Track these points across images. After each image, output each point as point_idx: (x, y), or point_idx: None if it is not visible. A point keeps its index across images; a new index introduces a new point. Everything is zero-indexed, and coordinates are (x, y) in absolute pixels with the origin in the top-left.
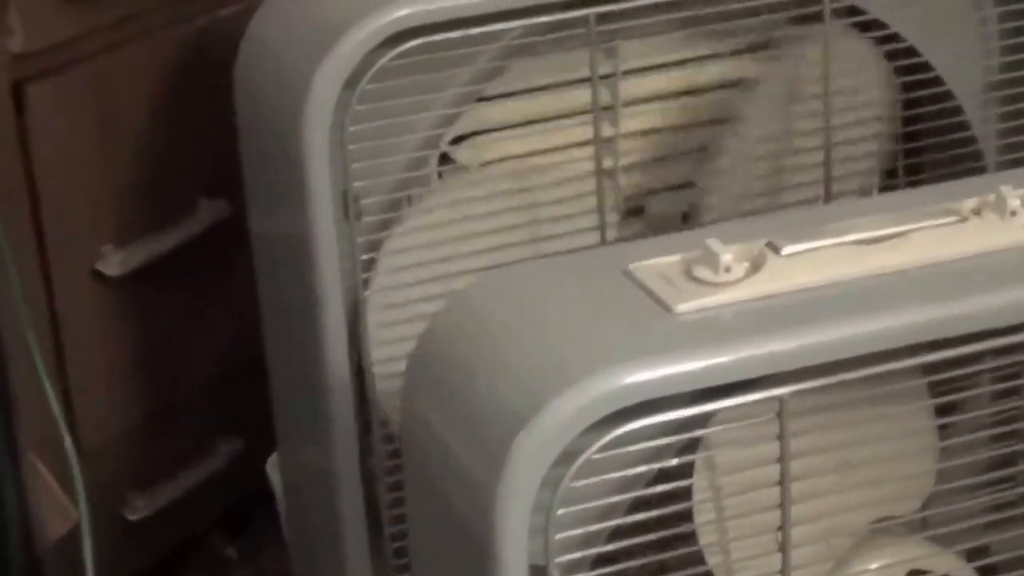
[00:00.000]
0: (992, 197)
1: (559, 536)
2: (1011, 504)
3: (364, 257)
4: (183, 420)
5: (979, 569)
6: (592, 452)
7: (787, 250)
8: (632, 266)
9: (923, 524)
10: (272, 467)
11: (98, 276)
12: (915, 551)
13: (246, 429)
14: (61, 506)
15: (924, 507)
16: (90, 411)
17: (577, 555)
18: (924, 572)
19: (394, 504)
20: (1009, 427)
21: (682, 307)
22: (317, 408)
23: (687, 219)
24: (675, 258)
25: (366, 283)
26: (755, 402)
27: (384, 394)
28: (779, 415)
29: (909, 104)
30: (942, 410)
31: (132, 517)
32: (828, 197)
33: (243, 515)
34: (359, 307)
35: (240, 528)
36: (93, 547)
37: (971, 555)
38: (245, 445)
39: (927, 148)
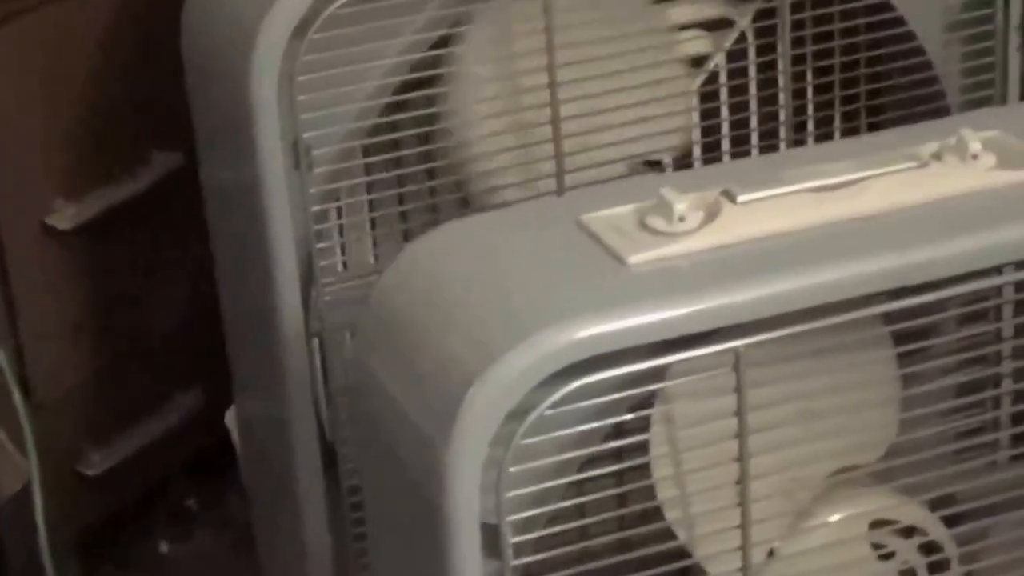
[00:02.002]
0: (953, 141)
1: (511, 494)
2: (977, 451)
3: (316, 208)
4: (139, 374)
5: (944, 518)
6: (544, 408)
7: (743, 198)
8: (585, 217)
9: (886, 474)
10: (231, 419)
11: (49, 230)
12: (877, 502)
13: (205, 381)
14: (14, 462)
15: (887, 457)
16: (43, 366)
17: (530, 513)
18: (887, 523)
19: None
20: (977, 373)
21: (635, 258)
22: (271, 359)
23: None
24: (629, 208)
25: (318, 234)
26: (711, 355)
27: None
28: (735, 367)
29: (872, 45)
30: (907, 358)
31: (89, 472)
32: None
33: (205, 467)
34: (312, 258)
35: (202, 480)
36: (45, 502)
37: (936, 504)
38: (204, 397)
39: (889, 89)
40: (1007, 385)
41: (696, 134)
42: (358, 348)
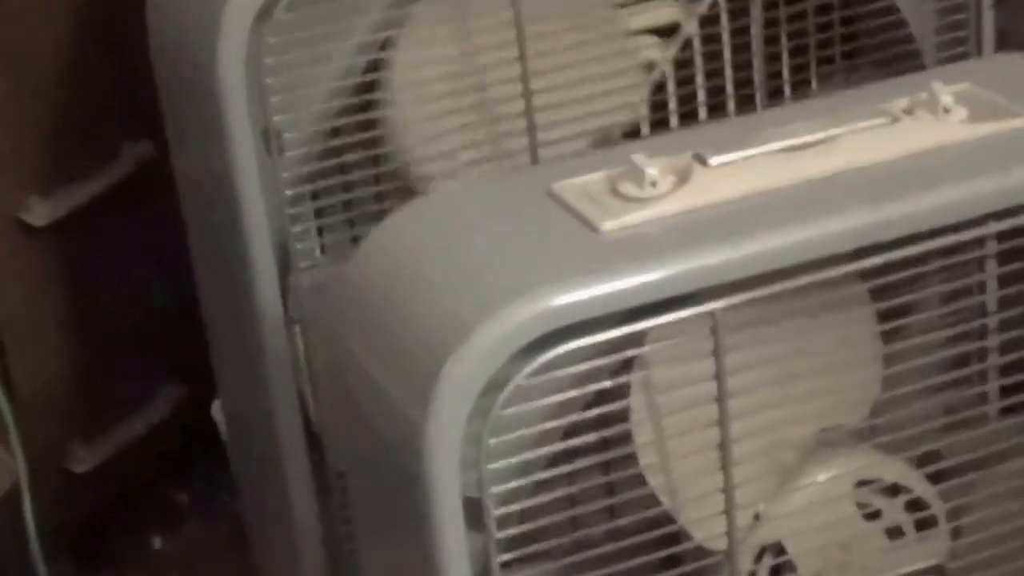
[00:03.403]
0: (924, 95)
1: (493, 466)
2: (963, 406)
3: (290, 192)
4: (123, 369)
5: (931, 475)
6: (521, 378)
7: (714, 161)
8: (556, 186)
9: (870, 433)
10: (217, 411)
11: (23, 227)
12: (861, 461)
13: (190, 374)
14: (3, 463)
15: (872, 416)
16: (25, 364)
17: (512, 485)
18: (872, 482)
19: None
20: (960, 328)
21: (608, 225)
22: (251, 349)
23: None
24: (600, 175)
25: (293, 219)
26: (689, 319)
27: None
28: (713, 331)
29: (844, 4)
30: (890, 315)
31: (78, 469)
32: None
33: (193, 460)
34: (288, 243)
35: (193, 474)
36: (33, 501)
37: (922, 461)
38: (189, 390)
39: (864, 50)
40: (993, 338)
41: (673, 103)
42: (334, 326)
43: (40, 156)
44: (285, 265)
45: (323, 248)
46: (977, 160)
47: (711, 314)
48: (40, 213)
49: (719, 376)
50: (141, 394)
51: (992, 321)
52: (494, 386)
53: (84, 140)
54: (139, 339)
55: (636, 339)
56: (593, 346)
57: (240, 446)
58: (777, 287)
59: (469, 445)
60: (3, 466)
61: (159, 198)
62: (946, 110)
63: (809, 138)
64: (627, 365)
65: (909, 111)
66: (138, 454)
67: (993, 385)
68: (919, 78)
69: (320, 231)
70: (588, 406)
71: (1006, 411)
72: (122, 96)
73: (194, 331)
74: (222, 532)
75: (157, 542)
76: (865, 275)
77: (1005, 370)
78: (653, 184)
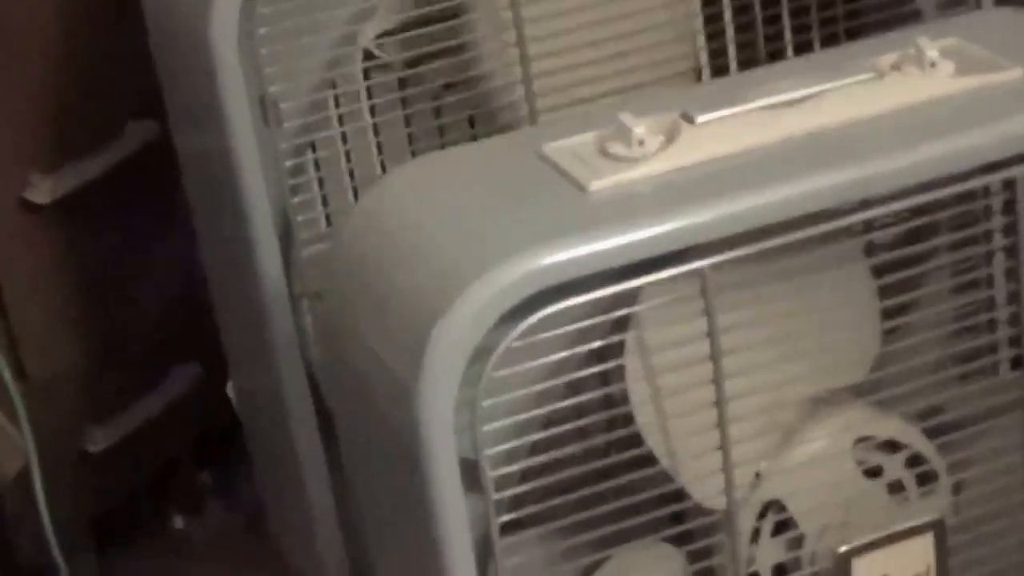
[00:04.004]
0: (911, 51)
1: (488, 428)
2: (967, 358)
3: (289, 163)
4: (136, 348)
5: (932, 430)
6: (513, 339)
7: (701, 119)
8: (546, 148)
9: (870, 389)
10: (232, 389)
11: (28, 205)
12: (860, 417)
13: (204, 353)
14: (14, 444)
15: (872, 372)
16: (35, 344)
17: (507, 446)
18: (872, 438)
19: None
20: (965, 277)
21: (596, 185)
22: (257, 325)
23: None
24: (589, 136)
25: (294, 190)
26: (679, 277)
27: None
28: (703, 289)
29: None
30: (889, 271)
31: (93, 449)
32: None
33: (215, 440)
34: (289, 214)
35: (213, 454)
36: (47, 482)
37: (923, 417)
38: (205, 369)
39: (867, 10)
40: (999, 288)
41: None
42: (330, 291)
43: (43, 134)
44: (288, 238)
45: (328, 219)
46: (965, 114)
47: (700, 272)
48: (44, 191)
49: (711, 334)
50: (155, 373)
51: (997, 268)
52: (486, 348)
53: (88, 118)
54: (151, 318)
55: (627, 298)
56: (584, 306)
57: (253, 424)
58: (767, 243)
59: (463, 408)
60: (16, 447)
61: (165, 177)
62: (932, 65)
63: (796, 95)
64: (619, 325)
65: (896, 67)
66: (155, 434)
67: (1002, 334)
68: (906, 34)
69: (325, 201)
70: (582, 366)
71: (1015, 363)
72: (126, 75)
73: (206, 309)
74: (244, 512)
75: (179, 522)
76: (862, 231)
77: (1013, 320)
78: (641, 143)
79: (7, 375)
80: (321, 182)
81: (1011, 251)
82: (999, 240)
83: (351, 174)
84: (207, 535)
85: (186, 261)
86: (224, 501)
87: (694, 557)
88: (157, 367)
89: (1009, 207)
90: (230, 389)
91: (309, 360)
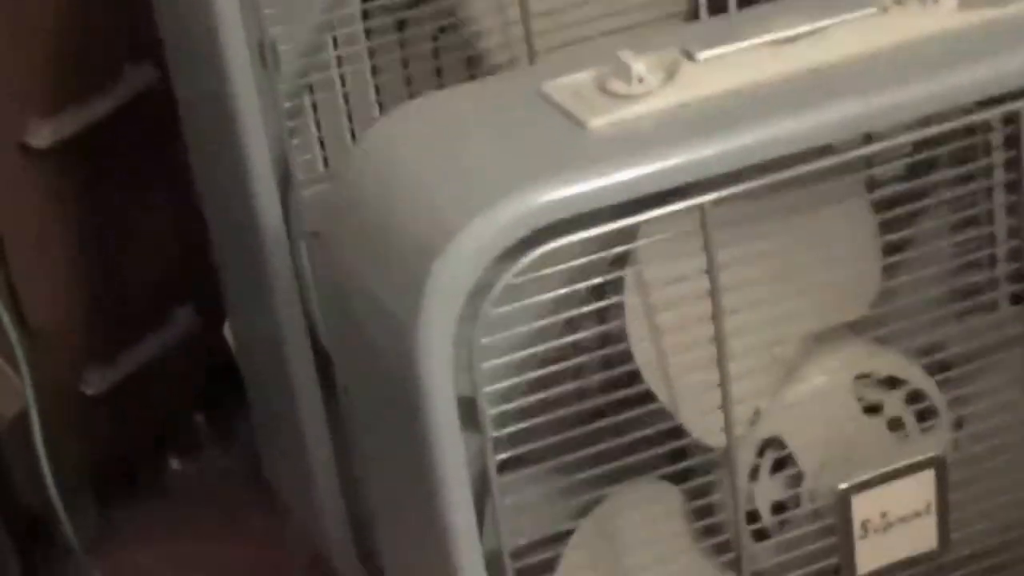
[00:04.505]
0: None
1: (486, 365)
2: (967, 294)
3: (288, 105)
4: (134, 292)
5: (932, 367)
6: (511, 276)
7: (701, 56)
8: (545, 86)
9: (871, 325)
10: (229, 331)
11: (27, 149)
12: (860, 353)
13: (202, 295)
14: (13, 386)
15: (873, 309)
16: (34, 287)
17: (505, 384)
18: (872, 375)
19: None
20: (965, 213)
21: (596, 122)
22: (256, 267)
23: None
24: (588, 74)
25: (291, 132)
26: (679, 213)
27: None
28: (702, 224)
29: None
30: (891, 207)
31: (90, 392)
32: None
33: (212, 383)
34: (287, 156)
35: (210, 396)
36: (45, 425)
37: (924, 353)
38: (202, 312)
39: None
40: (999, 224)
41: None
42: (327, 233)
43: (42, 79)
44: (286, 180)
45: (325, 161)
46: (967, 48)
47: (700, 207)
48: (43, 135)
49: (711, 270)
50: (153, 317)
51: (998, 200)
52: (485, 286)
53: (86, 63)
54: (149, 262)
55: (627, 235)
56: (584, 243)
57: (250, 366)
58: (767, 179)
59: (462, 346)
60: (15, 390)
61: (163, 121)
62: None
63: (797, 31)
64: (619, 263)
65: (898, 1)
66: (152, 377)
67: (1001, 270)
68: None
69: (322, 144)
70: (582, 303)
71: (1014, 299)
72: (124, 19)
73: (204, 252)
74: (240, 454)
75: (175, 465)
76: (863, 166)
77: (1013, 255)
78: (641, 80)
79: (6, 319)
80: (319, 124)
81: (1013, 186)
82: (999, 175)
83: (349, 116)
84: (204, 478)
85: (184, 205)
86: (221, 444)
87: (692, 495)
88: (155, 311)
89: (1010, 142)
90: (226, 331)
91: (307, 302)
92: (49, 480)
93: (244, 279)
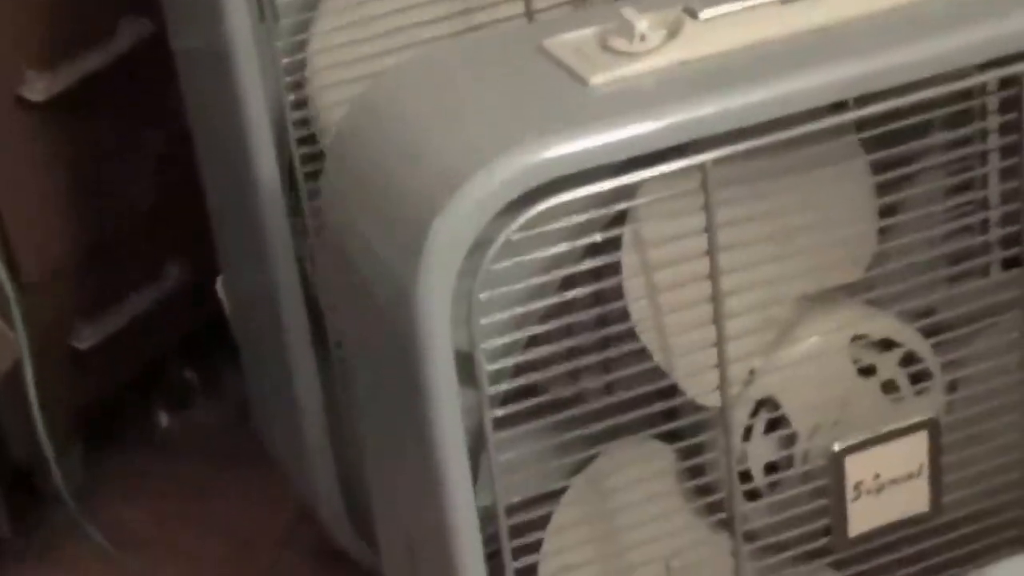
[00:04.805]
0: None
1: (484, 321)
2: (960, 259)
3: (286, 61)
4: (127, 246)
5: (928, 330)
6: (511, 231)
7: (705, 14)
8: (547, 42)
9: (866, 287)
10: (221, 287)
11: (22, 102)
12: (856, 315)
13: (195, 251)
14: (6, 339)
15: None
16: (27, 241)
17: (503, 340)
18: (866, 337)
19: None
20: (960, 177)
21: (598, 79)
22: (251, 222)
23: None
24: (590, 31)
25: (289, 87)
26: (680, 172)
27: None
28: (703, 183)
29: None
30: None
31: (81, 346)
32: None
33: (201, 339)
34: (284, 111)
35: (199, 352)
36: (38, 379)
37: (918, 316)
38: (194, 267)
39: None
40: (993, 189)
41: None
42: (326, 188)
43: (38, 32)
44: (283, 135)
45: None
46: (968, 10)
47: (701, 166)
48: (38, 88)
49: (710, 229)
50: (145, 271)
51: (992, 164)
52: (485, 242)
53: (82, 16)
54: (142, 216)
55: (627, 193)
56: (583, 200)
57: (242, 321)
58: (767, 138)
59: (461, 301)
60: (7, 342)
61: (158, 74)
62: None
63: None
64: (618, 221)
65: None
66: (143, 332)
67: (994, 235)
68: None
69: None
70: (579, 260)
71: (1007, 264)
72: None
73: (198, 207)
74: (229, 410)
75: (164, 419)
76: (860, 127)
77: (1006, 220)
78: (643, 38)
79: (3, 270)
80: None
81: (1008, 150)
82: (995, 139)
83: None
84: (192, 433)
85: (179, 159)
86: (209, 399)
87: (684, 454)
88: (147, 265)
89: (1007, 105)
90: (218, 287)
91: (302, 259)
92: (41, 431)
93: (239, 234)
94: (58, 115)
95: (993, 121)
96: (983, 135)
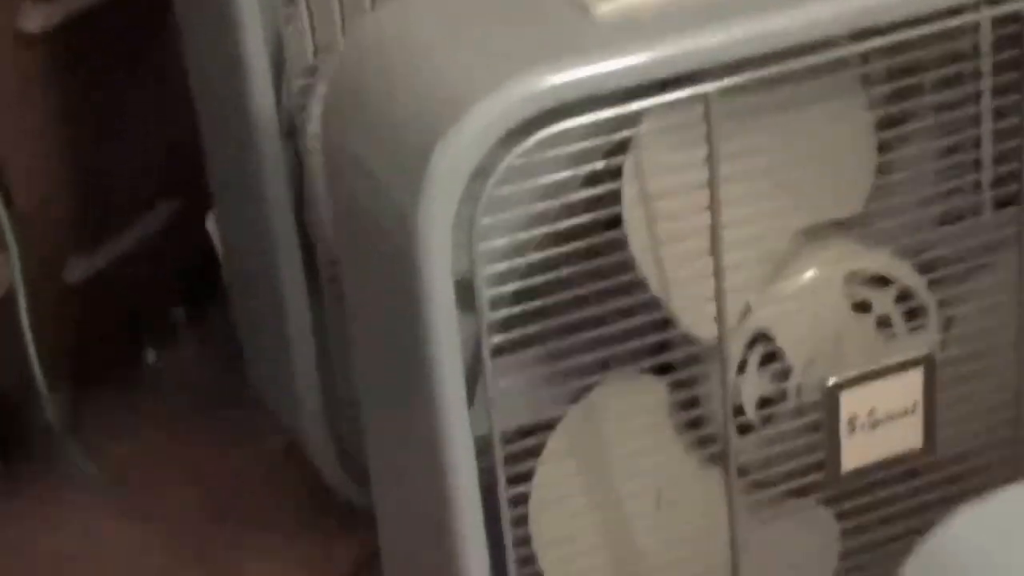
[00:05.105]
0: None
1: (485, 246)
2: (956, 195)
3: None
4: (120, 181)
5: (922, 266)
6: (514, 157)
7: None
8: None
9: (862, 223)
10: (212, 224)
11: (19, 34)
12: (852, 251)
13: (187, 188)
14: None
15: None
16: (22, 173)
17: (502, 266)
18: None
19: (329, 248)
20: (959, 112)
21: (602, 8)
22: (247, 154)
23: None
24: None
25: (287, 18)
26: (681, 102)
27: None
28: (705, 113)
29: None
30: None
31: (72, 279)
32: None
33: (190, 277)
34: (282, 44)
35: (188, 290)
36: (30, 310)
37: (913, 254)
38: (184, 204)
39: None
40: (987, 128)
41: None
42: (327, 117)
43: None
44: (280, 67)
45: (316, 49)
46: None
47: (704, 96)
48: (35, 20)
49: (711, 160)
50: (137, 207)
51: (985, 103)
52: (487, 168)
53: None
54: (136, 151)
55: (629, 122)
56: (586, 127)
57: (234, 259)
58: (772, 69)
59: (462, 228)
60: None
61: (155, 8)
62: None
63: None
64: (619, 151)
65: None
66: (133, 267)
67: (987, 174)
68: None
69: (313, 31)
70: (580, 188)
71: (1000, 204)
72: None
73: (191, 144)
74: (216, 348)
75: (151, 357)
76: (861, 62)
77: (999, 160)
78: None
79: None
80: (310, 10)
81: (1002, 89)
82: (988, 80)
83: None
84: (179, 371)
85: (174, 94)
86: (197, 338)
87: (677, 388)
88: (139, 202)
89: (1003, 43)
90: (209, 224)
91: (297, 192)
92: (34, 362)
93: (233, 169)
94: (54, 48)
95: (987, 62)
96: (977, 74)
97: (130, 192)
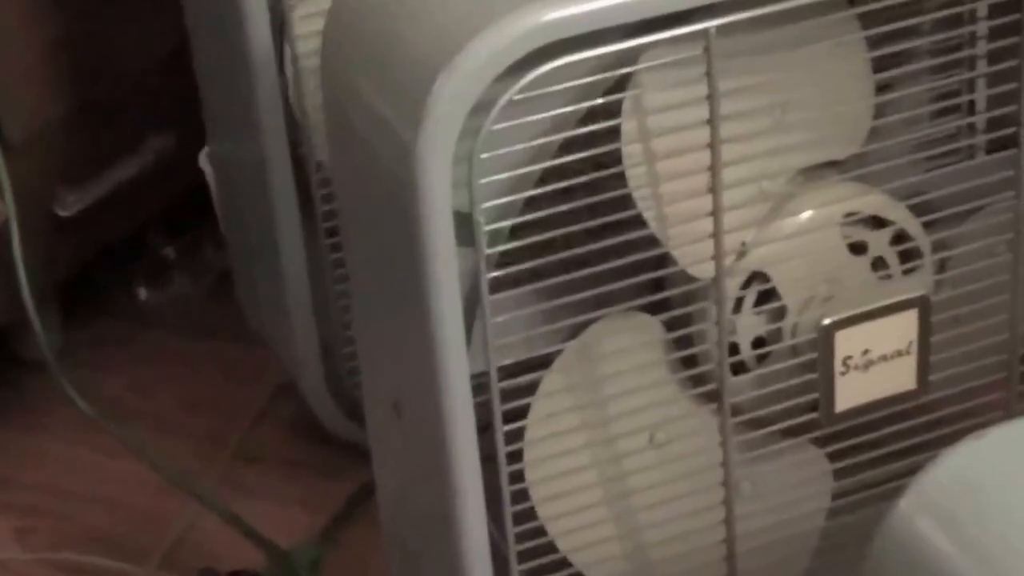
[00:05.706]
0: None
1: (483, 181)
2: (950, 138)
3: None
4: (112, 115)
5: (917, 210)
6: (513, 92)
7: None
8: None
9: (858, 164)
10: (205, 160)
11: None
12: (849, 192)
13: (180, 123)
14: None
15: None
16: (13, 105)
17: (501, 201)
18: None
19: (324, 184)
20: (952, 56)
21: None
22: (242, 88)
23: None
24: None
25: None
26: (682, 39)
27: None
28: (706, 50)
29: None
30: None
31: (63, 213)
32: None
33: (182, 213)
34: None
35: (180, 226)
36: (23, 243)
37: (911, 197)
38: (177, 139)
39: None
40: (981, 71)
41: None
42: (326, 50)
43: None
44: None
45: None
46: None
47: (704, 33)
48: None
49: (711, 97)
50: (129, 141)
51: (980, 50)
52: (486, 103)
53: None
54: (131, 85)
55: (629, 58)
56: (586, 63)
57: (227, 194)
58: (772, 6)
59: (461, 163)
60: None
61: None
62: None
63: None
64: (619, 88)
65: None
66: (125, 202)
67: (981, 117)
68: None
69: None
70: (580, 125)
71: (994, 147)
72: None
73: (184, 79)
74: (207, 284)
75: (142, 293)
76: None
77: (992, 104)
78: None
79: None
80: None
81: (997, 31)
82: (983, 26)
83: None
84: (171, 307)
85: (168, 27)
86: (189, 273)
87: (672, 326)
88: (132, 134)
89: None
90: (202, 159)
91: (292, 126)
92: (26, 293)
93: (228, 103)
94: None
95: (982, 7)
96: (973, 16)
97: (123, 125)
